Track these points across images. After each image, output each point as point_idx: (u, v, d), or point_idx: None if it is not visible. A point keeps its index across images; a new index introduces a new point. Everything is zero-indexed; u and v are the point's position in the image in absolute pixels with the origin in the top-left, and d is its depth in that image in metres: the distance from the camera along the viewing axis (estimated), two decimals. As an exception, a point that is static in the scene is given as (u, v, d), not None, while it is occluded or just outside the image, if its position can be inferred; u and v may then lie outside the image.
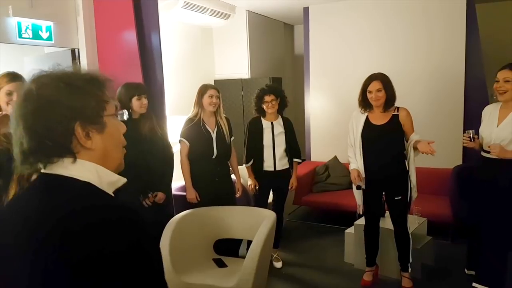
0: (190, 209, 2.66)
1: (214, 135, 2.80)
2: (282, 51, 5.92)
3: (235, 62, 5.00)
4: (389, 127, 2.58)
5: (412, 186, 2.61)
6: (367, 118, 2.64)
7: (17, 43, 2.70)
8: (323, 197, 4.11)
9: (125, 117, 0.89)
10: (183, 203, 2.82)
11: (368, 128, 2.63)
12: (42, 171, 0.74)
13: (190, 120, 2.81)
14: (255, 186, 3.05)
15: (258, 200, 3.11)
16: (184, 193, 2.86)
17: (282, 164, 3.07)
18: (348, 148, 2.75)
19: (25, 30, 2.69)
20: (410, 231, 2.68)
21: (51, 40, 2.89)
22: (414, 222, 2.96)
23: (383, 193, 2.68)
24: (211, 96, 2.77)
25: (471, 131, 2.46)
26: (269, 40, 5.47)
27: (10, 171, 2.02)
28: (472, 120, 2.47)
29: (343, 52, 4.38)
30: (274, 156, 3.04)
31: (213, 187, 2.79)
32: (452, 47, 3.83)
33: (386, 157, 2.59)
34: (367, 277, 2.84)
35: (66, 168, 0.71)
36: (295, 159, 3.15)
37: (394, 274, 2.87)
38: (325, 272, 3.09)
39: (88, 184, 0.71)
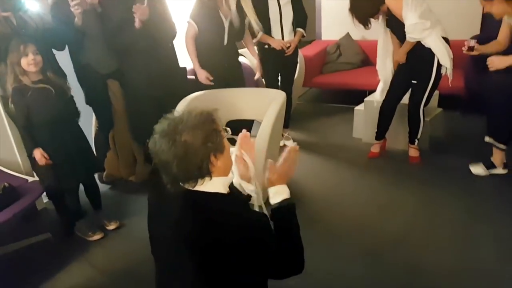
0: (202, 91, 2.66)
1: (227, 23, 2.60)
2: None
3: None
4: (392, 23, 2.55)
5: (443, 62, 2.47)
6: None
7: None
8: (334, 78, 4.05)
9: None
10: (191, 86, 2.80)
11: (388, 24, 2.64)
12: (188, 188, 1.04)
13: (203, 2, 2.55)
14: (284, 43, 2.89)
15: (268, 81, 3.08)
16: (192, 77, 2.83)
17: (291, 39, 2.94)
18: None
19: None
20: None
21: None
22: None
23: (411, 80, 2.66)
24: None
25: (472, 41, 2.25)
26: None
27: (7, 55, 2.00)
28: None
29: None
30: (282, 31, 2.89)
31: (223, 72, 2.74)
32: None
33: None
34: (375, 149, 2.97)
35: (204, 185, 1.04)
36: (298, 29, 2.96)
37: (401, 145, 2.98)
38: (334, 147, 3.23)
39: (217, 194, 1.05)
